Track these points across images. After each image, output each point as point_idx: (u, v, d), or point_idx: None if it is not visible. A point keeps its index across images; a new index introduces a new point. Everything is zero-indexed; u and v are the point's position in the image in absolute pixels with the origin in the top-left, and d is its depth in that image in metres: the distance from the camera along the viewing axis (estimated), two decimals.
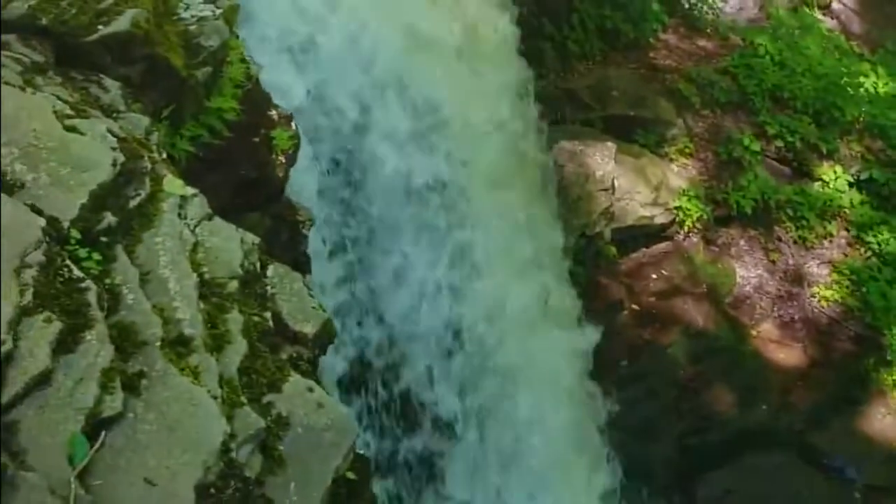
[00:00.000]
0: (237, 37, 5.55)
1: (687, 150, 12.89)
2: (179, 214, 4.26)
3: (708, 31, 14.08)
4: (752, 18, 14.62)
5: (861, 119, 13.75)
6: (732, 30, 14.15)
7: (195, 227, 4.31)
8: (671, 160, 12.78)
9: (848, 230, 13.26)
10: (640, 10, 13.19)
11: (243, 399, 3.90)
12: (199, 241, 4.28)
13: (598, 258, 11.63)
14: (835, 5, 15.65)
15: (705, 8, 14.13)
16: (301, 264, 5.88)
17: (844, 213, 13.25)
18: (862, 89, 14.00)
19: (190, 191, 4.37)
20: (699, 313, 11.86)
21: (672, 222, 12.38)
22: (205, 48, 5.03)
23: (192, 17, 5.03)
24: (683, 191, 12.50)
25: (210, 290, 4.17)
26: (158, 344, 3.74)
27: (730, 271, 12.50)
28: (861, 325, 12.49)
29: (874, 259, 12.98)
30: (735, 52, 13.78)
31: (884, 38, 15.55)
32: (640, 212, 12.04)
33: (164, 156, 4.67)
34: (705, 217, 12.59)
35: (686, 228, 12.51)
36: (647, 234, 12.24)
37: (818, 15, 15.32)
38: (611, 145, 11.95)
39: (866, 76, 14.32)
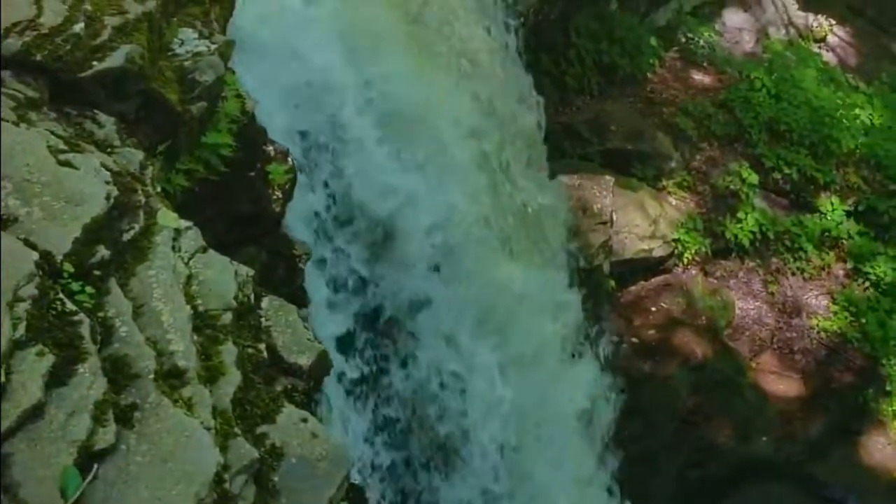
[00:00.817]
0: (232, 72, 5.58)
1: (685, 183, 12.93)
2: (173, 247, 4.27)
3: (704, 64, 14.16)
4: (749, 52, 14.72)
5: (857, 150, 13.80)
6: (729, 63, 14.23)
7: (189, 259, 4.32)
8: (669, 193, 12.82)
9: (846, 261, 13.29)
10: (636, 45, 13.27)
11: (237, 430, 3.90)
12: (193, 274, 4.29)
13: (597, 291, 11.63)
14: (830, 38, 15.75)
15: (702, 42, 14.23)
16: (297, 298, 5.89)
17: (842, 243, 13.29)
18: (858, 121, 14.07)
19: (184, 224, 4.38)
20: (698, 345, 11.86)
21: (670, 255, 12.42)
22: (200, 83, 5.05)
23: (187, 52, 5.06)
24: (681, 223, 12.56)
25: (204, 322, 4.17)
26: (152, 376, 3.74)
27: (728, 303, 12.51)
28: (860, 355, 12.50)
29: (872, 290, 13.00)
30: (732, 86, 13.85)
31: (879, 71, 15.64)
32: (638, 245, 12.09)
33: (159, 190, 4.69)
34: (704, 249, 12.63)
35: (685, 261, 12.54)
36: (645, 267, 12.29)
37: (814, 48, 15.41)
38: (609, 179, 12.00)
39: (862, 108, 14.40)
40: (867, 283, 13.09)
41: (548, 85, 12.21)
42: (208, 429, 3.73)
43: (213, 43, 5.26)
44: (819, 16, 15.77)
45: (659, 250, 12.28)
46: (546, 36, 12.12)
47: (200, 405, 3.82)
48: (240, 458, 3.76)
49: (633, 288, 12.16)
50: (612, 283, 11.96)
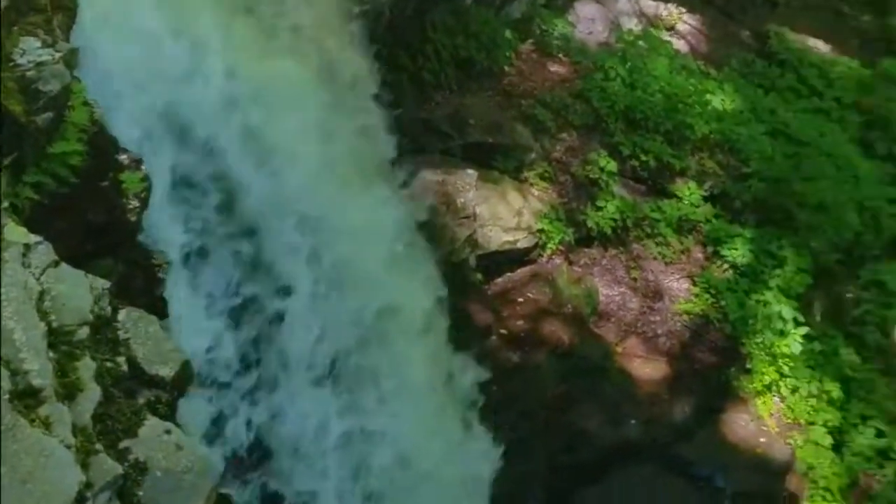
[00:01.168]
0: (79, 80, 5.46)
1: (546, 174, 13.06)
2: (23, 263, 4.18)
3: (560, 56, 14.30)
4: (602, 42, 14.90)
5: (711, 136, 14.12)
6: (584, 54, 14.39)
7: (41, 275, 4.23)
8: (531, 184, 12.94)
9: (704, 244, 13.58)
10: (492, 38, 13.34)
11: (98, 447, 3.84)
12: (46, 290, 4.20)
13: (464, 285, 11.70)
14: (681, 26, 16.07)
15: (556, 33, 14.36)
16: (158, 308, 5.80)
17: (700, 227, 13.57)
18: (710, 107, 14.39)
19: (34, 238, 4.29)
20: (566, 334, 12.02)
21: (535, 246, 12.54)
22: (44, 93, 4.93)
23: (30, 62, 4.93)
24: (545, 214, 12.68)
25: (59, 338, 4.10)
26: (6, 397, 3.66)
27: (593, 291, 12.69)
28: (721, 336, 12.82)
29: (731, 271, 13.33)
30: (587, 76, 14.02)
31: (729, 57, 16.04)
32: (503, 237, 12.18)
33: (6, 205, 4.57)
34: (567, 239, 12.78)
35: (549, 251, 12.66)
36: (511, 259, 12.38)
37: (665, 36, 15.70)
38: (471, 173, 12.09)
39: (714, 94, 14.73)
40: (726, 265, 13.42)
41: (406, 81, 12.23)
42: (68, 447, 3.67)
43: (58, 51, 5.14)
44: (669, 5, 16.08)
45: (524, 242, 12.39)
46: (402, 32, 12.13)
47: (59, 423, 3.75)
48: (102, 475, 3.71)
49: (499, 280, 12.24)
50: (479, 276, 12.02)
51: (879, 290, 14.33)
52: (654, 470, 11.81)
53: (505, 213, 12.27)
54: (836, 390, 13.01)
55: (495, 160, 12.63)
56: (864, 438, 13.05)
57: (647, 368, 12.49)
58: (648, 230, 13.35)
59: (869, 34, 17.88)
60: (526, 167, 12.91)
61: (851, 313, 14.15)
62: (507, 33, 13.74)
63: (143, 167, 6.05)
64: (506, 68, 13.67)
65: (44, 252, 4.32)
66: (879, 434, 13.16)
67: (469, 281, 11.79)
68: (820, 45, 17.06)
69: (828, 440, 12.74)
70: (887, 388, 13.51)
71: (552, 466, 11.47)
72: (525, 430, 11.20)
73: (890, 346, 14.00)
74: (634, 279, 13.10)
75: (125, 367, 4.40)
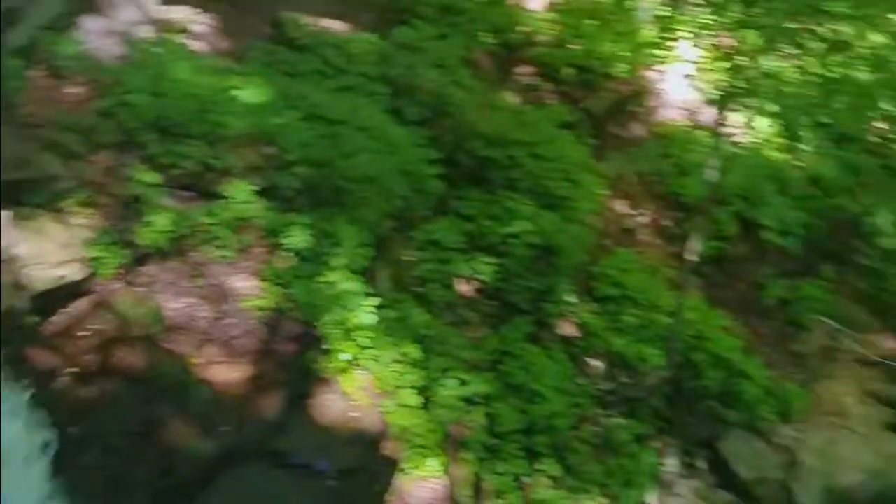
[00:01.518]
0: None
1: (86, 200, 12.52)
2: None
3: (75, 76, 13.69)
4: (118, 56, 14.41)
5: (248, 131, 14.04)
6: (100, 71, 13.84)
7: None
8: (72, 214, 12.36)
9: (264, 238, 13.55)
10: None
11: None
12: None
13: (19, 332, 11.03)
14: (196, 27, 15.85)
15: (66, 54, 13.74)
16: None
17: (256, 223, 13.51)
18: (239, 102, 14.30)
19: None
20: (139, 358, 11.67)
21: (90, 276, 12.05)
22: None
23: None
24: (94, 241, 12.20)
25: None
26: None
27: (158, 308, 12.35)
28: (296, 324, 12.92)
29: (294, 259, 13.41)
30: (108, 93, 13.52)
31: (250, 50, 16.06)
32: (51, 274, 11.62)
33: None
34: (123, 261, 12.37)
35: (105, 277, 12.19)
36: (66, 294, 11.81)
37: (182, 40, 15.44)
38: (3, 213, 11.40)
39: (242, 88, 14.63)
40: (288, 255, 13.46)
41: None
42: None
43: None
44: (179, 7, 15.82)
45: (76, 274, 11.90)
46: None
47: None
48: None
49: (57, 318, 11.63)
50: (35, 318, 11.38)
51: (436, 248, 15.00)
52: (257, 470, 11.74)
53: (48, 249, 11.69)
54: (415, 351, 13.48)
55: (25, 196, 11.92)
56: (446, 390, 13.67)
57: (230, 373, 12.33)
58: (205, 236, 13.12)
59: (380, 7, 18.50)
60: (62, 197, 12.31)
61: (414, 275, 14.71)
62: (13, 62, 12.99)
63: None
64: (19, 99, 12.94)
65: None
66: (462, 383, 13.79)
67: (24, 326, 11.14)
68: (336, 25, 17.44)
69: (416, 400, 13.20)
70: (460, 339, 14.21)
71: (153, 494, 11.10)
72: (115, 466, 10.75)
73: (454, 299, 14.71)
74: (200, 287, 12.85)
75: None
